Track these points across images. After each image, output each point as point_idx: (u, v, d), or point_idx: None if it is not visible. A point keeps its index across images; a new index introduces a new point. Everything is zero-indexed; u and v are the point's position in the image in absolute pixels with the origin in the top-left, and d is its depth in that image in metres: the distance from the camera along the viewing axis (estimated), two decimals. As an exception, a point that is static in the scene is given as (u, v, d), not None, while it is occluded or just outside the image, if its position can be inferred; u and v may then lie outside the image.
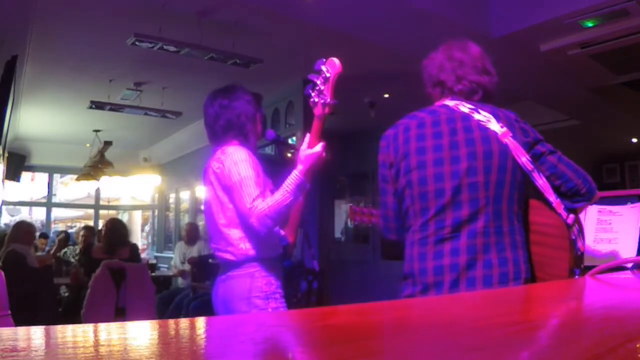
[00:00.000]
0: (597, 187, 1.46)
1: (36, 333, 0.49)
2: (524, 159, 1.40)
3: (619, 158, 8.48)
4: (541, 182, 1.41)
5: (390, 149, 1.53)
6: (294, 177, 1.76)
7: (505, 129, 1.41)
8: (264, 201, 1.73)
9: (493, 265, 1.35)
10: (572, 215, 1.41)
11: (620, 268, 1.43)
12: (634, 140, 7.87)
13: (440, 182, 1.41)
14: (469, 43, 1.58)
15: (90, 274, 4.15)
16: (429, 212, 1.42)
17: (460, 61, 1.53)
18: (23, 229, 4.43)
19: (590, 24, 3.83)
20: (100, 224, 9.89)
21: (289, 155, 5.22)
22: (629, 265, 1.49)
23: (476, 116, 1.43)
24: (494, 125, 1.41)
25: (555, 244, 1.43)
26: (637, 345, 0.44)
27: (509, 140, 1.40)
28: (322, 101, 1.77)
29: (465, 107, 1.46)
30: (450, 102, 1.50)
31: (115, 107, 5.50)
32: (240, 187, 1.75)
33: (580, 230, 1.43)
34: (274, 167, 2.16)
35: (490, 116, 1.43)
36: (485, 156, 1.39)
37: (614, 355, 0.41)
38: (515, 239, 1.39)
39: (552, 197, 1.41)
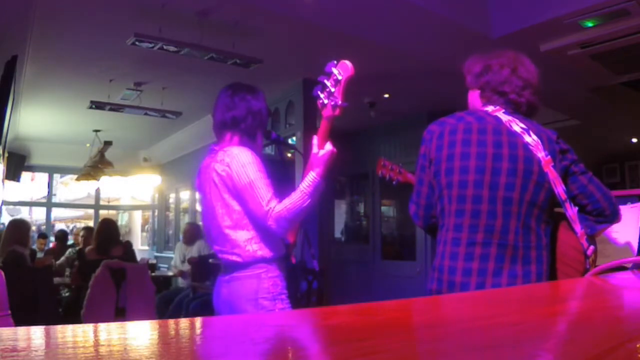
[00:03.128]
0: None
1: (36, 333, 0.49)
2: (560, 189, 1.47)
3: (619, 158, 8.48)
4: (571, 212, 1.49)
5: (433, 145, 1.59)
6: (311, 178, 1.74)
7: (549, 157, 1.48)
8: (280, 203, 1.73)
9: (517, 276, 1.44)
10: (592, 247, 1.51)
11: (620, 268, 1.43)
12: (634, 140, 7.86)
13: (479, 189, 1.48)
14: (527, 60, 1.65)
15: (85, 276, 4.14)
16: (464, 215, 1.50)
17: (525, 81, 1.59)
18: (22, 229, 4.42)
19: (590, 24, 3.83)
20: (100, 224, 9.89)
21: (289, 155, 5.23)
22: (629, 265, 1.49)
23: (526, 138, 1.49)
24: (539, 152, 1.48)
25: (574, 266, 1.52)
26: (637, 345, 0.44)
27: (549, 170, 1.47)
28: (332, 103, 1.76)
29: (517, 127, 1.52)
30: (499, 114, 1.56)
31: (115, 107, 5.50)
32: (252, 190, 1.75)
33: (594, 261, 1.52)
34: (274, 167, 2.15)
35: (537, 140, 1.49)
36: (524, 175, 1.47)
37: (614, 355, 0.41)
38: (541, 254, 1.47)
39: (578, 228, 1.50)
